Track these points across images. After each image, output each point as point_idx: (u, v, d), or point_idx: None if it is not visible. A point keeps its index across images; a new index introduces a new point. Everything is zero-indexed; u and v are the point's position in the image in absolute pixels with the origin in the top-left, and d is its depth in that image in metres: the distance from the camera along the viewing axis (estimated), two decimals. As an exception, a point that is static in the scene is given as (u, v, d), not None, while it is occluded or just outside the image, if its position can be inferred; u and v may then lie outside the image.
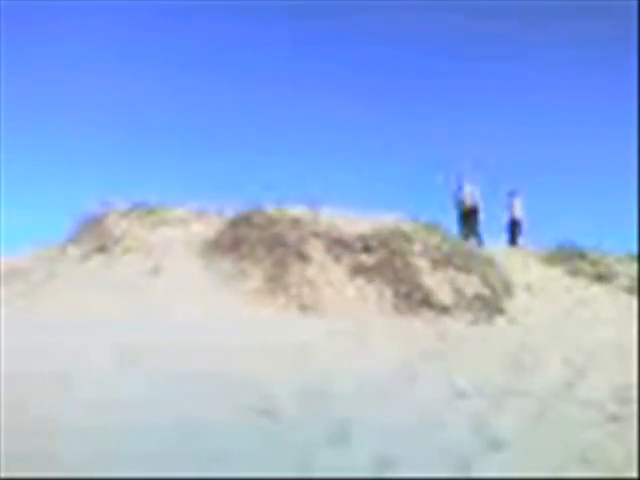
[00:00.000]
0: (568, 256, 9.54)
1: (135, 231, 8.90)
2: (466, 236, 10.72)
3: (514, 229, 13.53)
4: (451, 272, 7.99)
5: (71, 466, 3.60)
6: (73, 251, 8.77)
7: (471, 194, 11.77)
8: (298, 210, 9.03)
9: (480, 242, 10.73)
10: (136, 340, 5.92)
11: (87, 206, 9.79)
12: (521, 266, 9.32)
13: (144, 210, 9.43)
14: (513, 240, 13.22)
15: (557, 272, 9.32)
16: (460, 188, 11.83)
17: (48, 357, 5.49)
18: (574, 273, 9.04)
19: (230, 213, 9.24)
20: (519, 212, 13.61)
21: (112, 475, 3.50)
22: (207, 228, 8.91)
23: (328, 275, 7.81)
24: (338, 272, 7.87)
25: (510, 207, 13.77)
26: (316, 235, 8.38)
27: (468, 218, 11.60)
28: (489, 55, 29.19)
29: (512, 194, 13.97)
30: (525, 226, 13.62)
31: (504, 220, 13.72)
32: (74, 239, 9.15)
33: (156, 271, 7.99)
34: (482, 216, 11.84)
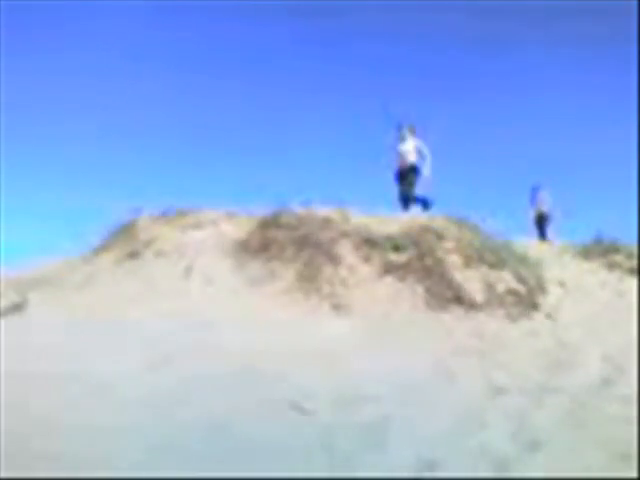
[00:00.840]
0: (603, 250, 9.38)
1: (166, 235, 8.96)
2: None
3: (542, 223, 13.42)
4: (483, 268, 7.91)
5: (114, 465, 3.65)
6: (105, 257, 8.86)
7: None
8: (327, 210, 9.02)
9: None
10: (169, 341, 5.97)
11: (117, 212, 9.89)
12: (554, 261, 9.19)
13: (174, 214, 9.50)
14: (542, 235, 13.11)
15: (592, 266, 9.17)
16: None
17: (81, 359, 5.56)
18: (609, 267, 8.88)
19: (259, 214, 9.24)
20: (546, 206, 13.51)
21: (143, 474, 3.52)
22: (237, 229, 8.94)
23: (359, 274, 7.79)
24: (369, 271, 7.85)
25: (535, 202, 13.67)
26: (346, 235, 8.37)
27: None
28: (489, 54, 29.00)
29: (537, 188, 13.86)
30: (555, 220, 13.54)
31: (531, 215, 13.64)
32: (105, 245, 9.25)
33: (187, 273, 8.04)
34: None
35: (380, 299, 7.38)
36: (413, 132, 10.82)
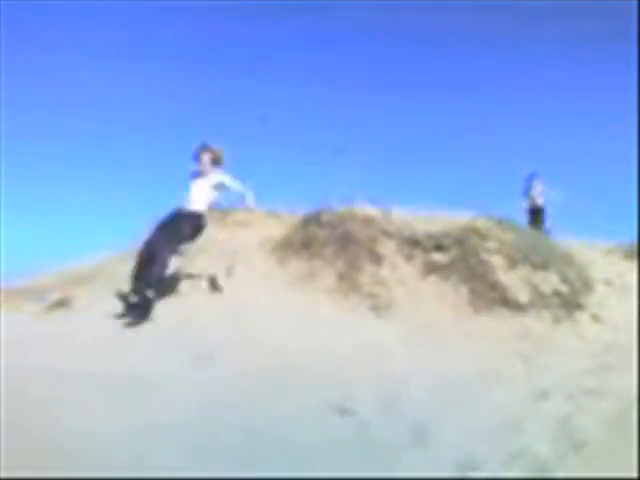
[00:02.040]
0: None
1: (208, 233, 9.05)
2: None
3: (537, 215, 12.99)
4: (527, 269, 7.80)
5: (155, 464, 3.69)
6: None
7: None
8: (369, 209, 9.00)
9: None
10: (212, 339, 6.03)
11: (158, 210, 9.99)
12: (599, 261, 9.04)
13: (217, 212, 9.58)
14: (535, 226, 12.47)
15: (634, 266, 9.00)
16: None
17: (125, 357, 5.66)
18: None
19: (301, 213, 9.27)
20: (540, 197, 13.16)
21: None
22: (279, 228, 8.98)
23: (400, 274, 7.75)
24: (411, 271, 7.80)
25: (528, 192, 13.29)
26: (387, 234, 8.33)
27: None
28: (490, 52, 28.60)
29: (530, 178, 13.39)
30: (549, 212, 13.06)
31: (524, 206, 13.18)
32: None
33: (230, 272, 8.10)
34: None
35: (422, 299, 7.33)
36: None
